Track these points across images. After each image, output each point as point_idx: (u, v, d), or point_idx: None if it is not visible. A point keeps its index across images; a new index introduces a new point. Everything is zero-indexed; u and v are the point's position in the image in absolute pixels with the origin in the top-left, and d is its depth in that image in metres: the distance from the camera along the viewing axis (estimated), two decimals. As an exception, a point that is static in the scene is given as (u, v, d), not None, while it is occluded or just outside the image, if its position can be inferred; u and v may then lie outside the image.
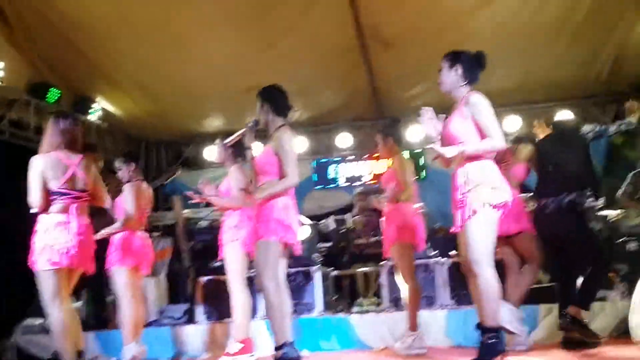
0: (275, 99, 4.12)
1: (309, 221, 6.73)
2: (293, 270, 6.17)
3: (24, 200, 4.22)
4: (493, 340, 3.45)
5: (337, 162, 9.92)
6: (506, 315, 4.25)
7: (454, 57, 3.76)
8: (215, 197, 5.17)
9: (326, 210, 9.01)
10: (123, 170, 5.35)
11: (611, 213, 6.41)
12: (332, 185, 9.90)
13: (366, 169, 9.81)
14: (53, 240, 4.05)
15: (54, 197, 4.12)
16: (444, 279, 5.97)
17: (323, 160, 9.98)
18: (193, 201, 5.13)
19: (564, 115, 9.03)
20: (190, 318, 6.36)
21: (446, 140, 3.68)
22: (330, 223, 7.52)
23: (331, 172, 9.93)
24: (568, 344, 4.48)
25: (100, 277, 6.08)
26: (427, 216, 7.25)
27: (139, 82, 8.04)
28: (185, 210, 7.60)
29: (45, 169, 4.11)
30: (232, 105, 8.20)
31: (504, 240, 4.61)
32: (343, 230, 7.41)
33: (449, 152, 3.55)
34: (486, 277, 3.48)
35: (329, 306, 6.40)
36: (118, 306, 5.20)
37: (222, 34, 7.01)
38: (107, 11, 6.46)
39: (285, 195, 3.95)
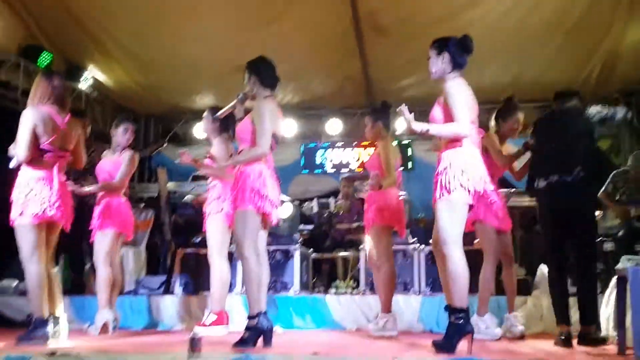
0: (262, 71, 4.13)
1: (288, 198, 6.74)
2: (273, 247, 6.20)
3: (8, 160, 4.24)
4: (461, 321, 3.49)
5: (325, 148, 9.96)
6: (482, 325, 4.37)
7: (441, 45, 3.79)
8: (204, 164, 5.16)
9: (312, 195, 9.06)
10: (127, 134, 5.31)
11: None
12: (319, 171, 9.95)
13: (354, 157, 9.85)
14: (34, 195, 4.07)
15: (40, 152, 4.13)
16: (421, 265, 6.03)
17: (311, 145, 10.02)
18: (182, 160, 5.09)
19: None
20: (167, 289, 6.37)
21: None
22: (313, 206, 7.54)
23: (319, 157, 9.97)
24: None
25: (80, 243, 6.14)
26: (410, 206, 7.35)
27: (132, 54, 8.02)
28: (170, 183, 7.60)
29: (38, 123, 4.12)
30: (223, 83, 8.18)
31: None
32: (326, 214, 7.44)
33: (417, 125, 3.58)
34: (454, 258, 3.53)
35: (306, 286, 6.44)
36: (96, 271, 5.21)
37: (218, 10, 7.01)
38: (104, -22, 6.45)
39: (261, 164, 3.94)
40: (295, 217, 6.78)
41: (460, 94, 3.64)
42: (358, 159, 9.76)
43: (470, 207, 3.74)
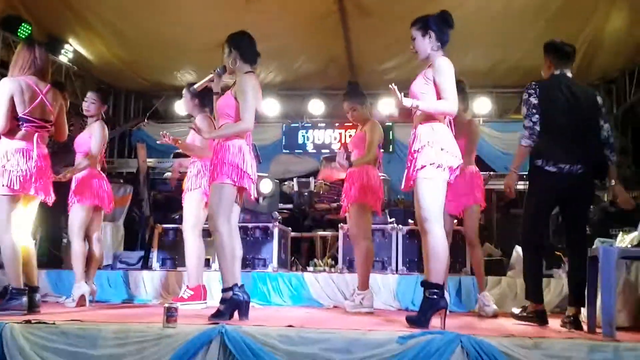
0: (243, 45, 4.09)
1: (266, 174, 6.75)
2: (252, 224, 6.22)
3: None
4: (435, 296, 3.54)
5: (307, 128, 9.96)
6: None
7: (425, 24, 3.79)
8: (183, 143, 5.14)
9: (292, 175, 9.06)
10: (96, 106, 5.26)
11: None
12: (300, 151, 9.97)
13: (335, 137, 9.88)
14: (12, 166, 4.02)
15: (18, 123, 4.08)
16: (399, 245, 6.09)
17: (293, 125, 10.02)
18: (162, 141, 5.08)
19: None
20: (145, 265, 6.37)
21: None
22: (293, 185, 7.56)
23: (300, 137, 9.97)
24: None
25: (58, 217, 6.11)
26: (389, 188, 7.39)
27: (113, 29, 7.95)
28: (150, 159, 7.57)
29: (15, 92, 4.06)
30: (204, 60, 8.09)
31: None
32: (306, 194, 7.46)
33: (407, 101, 3.61)
34: (434, 234, 3.57)
35: (284, 263, 6.47)
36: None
37: (201, -13, 6.96)
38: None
39: (241, 139, 3.95)
40: (275, 196, 6.78)
41: (450, 71, 3.67)
42: (339, 140, 9.79)
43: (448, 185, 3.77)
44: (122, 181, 7.51)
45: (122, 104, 10.24)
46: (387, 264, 6.06)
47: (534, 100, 3.98)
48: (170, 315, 3.26)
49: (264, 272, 5.98)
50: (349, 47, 8.42)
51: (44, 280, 5.94)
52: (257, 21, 7.09)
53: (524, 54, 7.98)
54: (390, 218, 6.46)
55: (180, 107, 9.56)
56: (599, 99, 4.16)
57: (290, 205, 7.63)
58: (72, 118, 6.35)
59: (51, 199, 4.31)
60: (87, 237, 5.21)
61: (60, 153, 6.03)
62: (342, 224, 6.34)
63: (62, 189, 5.13)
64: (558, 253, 5.82)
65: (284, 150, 9.98)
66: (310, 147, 9.95)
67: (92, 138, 5.15)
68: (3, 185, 4.01)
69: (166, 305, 3.31)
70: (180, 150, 7.78)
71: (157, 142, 5.31)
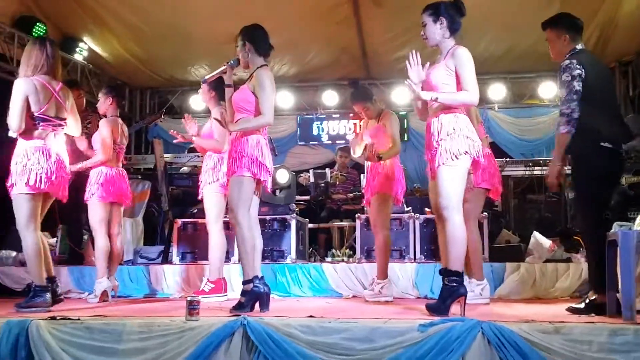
0: (257, 38, 4.11)
1: (287, 174, 6.78)
2: (270, 217, 6.25)
3: (4, 131, 4.25)
4: (454, 284, 3.56)
5: (322, 119, 9.98)
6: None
7: (436, 10, 3.78)
8: (197, 138, 5.19)
9: (308, 166, 9.09)
10: (100, 101, 5.33)
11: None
12: (315, 142, 9.99)
13: (350, 128, 9.89)
14: (32, 165, 4.09)
15: (34, 122, 4.14)
16: (416, 233, 6.09)
17: (307, 116, 10.03)
18: (176, 141, 5.14)
19: (548, 86, 9.15)
20: (165, 259, 6.44)
21: (426, 88, 3.74)
22: (310, 176, 7.58)
23: (315, 129, 9.99)
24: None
25: (78, 213, 6.18)
26: (405, 176, 7.38)
27: (126, 25, 7.99)
28: (167, 155, 7.63)
29: (30, 92, 4.11)
30: (218, 54, 8.12)
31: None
32: (322, 185, 7.48)
33: (426, 95, 3.63)
34: (454, 222, 3.58)
35: (302, 255, 6.51)
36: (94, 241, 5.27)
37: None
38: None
39: (259, 134, 3.99)
40: (292, 187, 6.81)
41: (472, 63, 3.66)
42: (354, 130, 9.80)
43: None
44: (140, 177, 7.57)
45: (138, 101, 10.32)
46: (405, 253, 6.07)
47: (577, 86, 3.71)
48: (192, 308, 3.31)
49: (282, 264, 6.02)
50: (361, 37, 8.40)
51: (66, 277, 6.04)
52: (269, 13, 7.12)
53: (538, 37, 7.83)
54: (407, 207, 6.47)
55: (196, 101, 9.65)
56: None
57: (307, 197, 7.66)
58: (89, 116, 6.41)
59: (65, 194, 4.37)
60: (107, 233, 5.28)
61: (78, 150, 6.09)
62: (359, 214, 6.37)
63: (83, 186, 5.22)
64: (576, 237, 5.80)
65: (299, 142, 10.01)
66: (325, 138, 9.96)
67: (97, 136, 5.22)
68: (23, 185, 4.08)
69: (188, 298, 3.36)
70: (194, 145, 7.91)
71: (174, 141, 5.37)
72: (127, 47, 8.52)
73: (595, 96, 3.77)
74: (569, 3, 7.17)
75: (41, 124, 4.17)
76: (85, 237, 6.60)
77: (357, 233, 6.32)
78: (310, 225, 7.07)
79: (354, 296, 5.54)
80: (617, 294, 3.54)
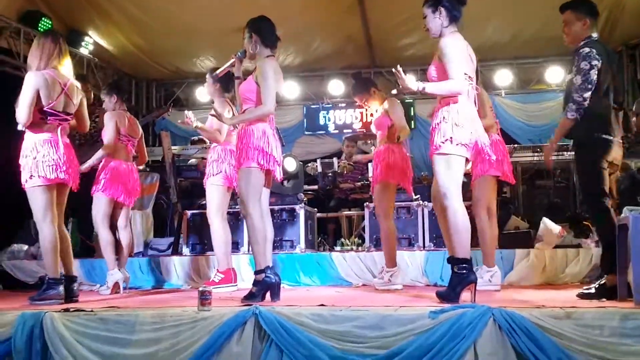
0: (263, 30, 4.12)
1: (294, 162, 6.79)
2: (278, 207, 6.27)
3: (12, 125, 4.27)
4: (464, 271, 3.56)
5: (328, 109, 9.96)
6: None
7: (435, 1, 3.77)
8: (200, 125, 5.20)
9: (315, 156, 9.07)
10: (106, 101, 5.38)
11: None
12: (321, 132, 9.99)
13: (356, 117, 9.88)
14: (42, 157, 4.11)
15: (42, 115, 4.16)
16: (425, 221, 6.10)
17: (314, 106, 10.02)
18: (183, 122, 5.13)
19: (555, 71, 9.10)
20: (175, 250, 6.47)
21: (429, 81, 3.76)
22: (317, 166, 7.59)
23: (321, 118, 9.98)
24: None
25: (89, 207, 6.21)
26: (413, 164, 7.38)
27: (131, 17, 7.98)
28: (174, 147, 7.65)
29: (41, 86, 4.12)
30: (223, 45, 8.14)
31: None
32: (330, 174, 7.49)
33: (413, 84, 3.64)
34: (454, 209, 3.58)
35: (311, 244, 6.53)
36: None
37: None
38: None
39: (265, 123, 3.98)
40: (300, 177, 6.83)
41: (455, 49, 3.64)
42: (361, 119, 9.79)
43: (467, 161, 3.76)
44: (148, 170, 7.59)
45: (144, 93, 10.33)
46: (414, 241, 6.09)
47: (593, 76, 3.74)
48: (204, 298, 3.34)
49: (292, 254, 6.05)
50: (366, 25, 8.36)
51: (77, 269, 6.03)
52: (274, 3, 7.08)
53: (544, 22, 7.84)
54: (415, 195, 6.47)
55: (202, 93, 9.66)
56: None
57: (314, 187, 7.67)
58: (97, 110, 6.44)
59: (75, 185, 4.40)
60: (113, 226, 5.32)
61: (86, 145, 6.13)
62: (367, 202, 6.38)
63: (92, 179, 5.25)
64: (585, 223, 5.79)
65: (305, 132, 10.00)
66: (331, 128, 9.96)
67: (103, 131, 5.25)
68: (36, 177, 4.11)
69: (200, 288, 3.38)
70: (197, 137, 7.92)
71: (178, 122, 5.38)
72: (132, 40, 8.52)
73: (602, 87, 3.80)
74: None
75: (49, 118, 4.19)
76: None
77: (366, 222, 6.33)
78: (319, 215, 7.09)
79: (363, 285, 5.56)
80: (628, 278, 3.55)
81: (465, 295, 3.55)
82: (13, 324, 3.34)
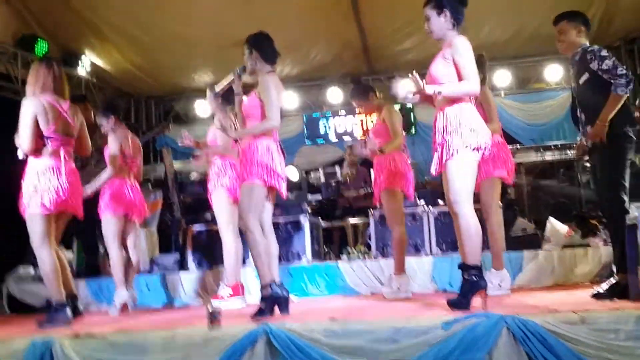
0: (263, 45, 4.11)
1: (297, 172, 6.78)
2: (283, 219, 6.25)
3: (13, 150, 4.26)
4: (474, 278, 3.53)
5: (328, 117, 9.95)
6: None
7: (439, 3, 3.74)
8: (202, 144, 5.20)
9: (317, 165, 9.08)
10: (104, 125, 5.37)
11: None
12: (322, 140, 9.97)
13: (356, 124, 9.86)
14: (44, 184, 4.10)
15: (44, 141, 4.15)
16: (430, 227, 6.08)
17: (314, 115, 10.01)
18: (184, 143, 5.15)
19: (554, 69, 9.09)
20: (181, 266, 6.45)
21: (428, 82, 3.72)
22: (320, 175, 7.57)
23: (321, 127, 9.97)
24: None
25: (93, 227, 6.20)
26: (416, 170, 7.37)
27: (127, 36, 7.98)
28: (176, 163, 7.65)
29: (38, 112, 4.13)
30: (220, 59, 8.15)
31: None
32: (333, 183, 7.47)
33: (429, 88, 3.60)
34: (466, 216, 3.55)
35: (318, 254, 6.51)
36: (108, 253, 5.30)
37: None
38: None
39: (269, 138, 3.97)
40: (303, 187, 6.81)
41: (469, 51, 3.62)
42: (361, 126, 9.77)
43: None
44: (151, 187, 7.59)
45: (143, 110, 10.32)
46: (420, 247, 6.06)
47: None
48: (214, 317, 3.31)
49: (298, 265, 6.02)
50: (362, 32, 8.36)
51: (84, 290, 6.08)
52: (268, 14, 7.10)
53: (542, 21, 7.81)
54: (420, 200, 6.45)
55: (201, 107, 9.66)
56: None
57: (318, 196, 7.65)
58: (97, 130, 6.42)
59: (81, 211, 4.38)
60: (122, 245, 5.30)
61: (89, 167, 6.12)
62: (371, 210, 6.35)
63: (96, 199, 5.23)
64: (592, 222, 5.76)
65: (306, 142, 9.99)
66: (332, 136, 9.94)
67: (106, 150, 5.24)
68: (36, 204, 4.09)
69: (209, 309, 3.35)
70: (199, 153, 7.91)
71: (179, 144, 5.38)
72: (129, 58, 8.52)
73: None
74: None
75: (50, 143, 4.18)
76: (101, 249, 6.63)
77: (372, 229, 6.31)
78: (324, 224, 7.07)
79: (371, 293, 5.53)
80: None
81: (476, 302, 3.53)
82: (23, 351, 3.31)
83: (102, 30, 7.81)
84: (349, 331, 3.04)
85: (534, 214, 7.06)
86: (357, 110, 9.67)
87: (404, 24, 7.88)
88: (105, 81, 8.99)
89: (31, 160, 4.18)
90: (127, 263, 5.30)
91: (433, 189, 6.93)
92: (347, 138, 9.65)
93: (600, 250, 5.30)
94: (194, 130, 8.95)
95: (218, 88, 4.47)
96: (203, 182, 7.13)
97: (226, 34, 7.31)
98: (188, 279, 6.06)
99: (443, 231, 6.01)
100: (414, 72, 3.60)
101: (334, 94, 9.71)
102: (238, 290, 5.05)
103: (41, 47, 7.27)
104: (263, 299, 3.86)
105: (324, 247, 7.03)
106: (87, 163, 6.26)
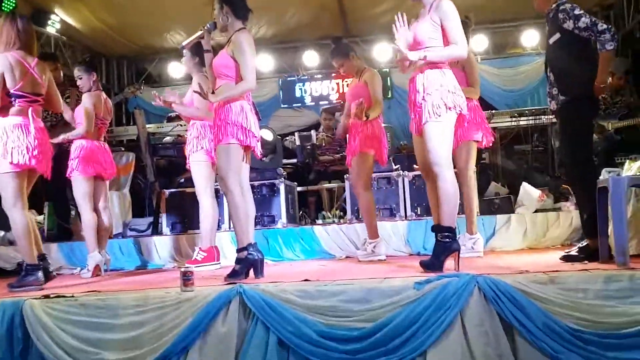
0: (234, 1, 4.01)
1: (271, 134, 6.71)
2: (258, 183, 6.21)
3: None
4: (448, 240, 3.56)
5: (304, 81, 9.85)
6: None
7: None
8: (179, 105, 5.11)
9: (293, 129, 9.02)
10: (84, 79, 5.21)
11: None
12: (298, 104, 9.88)
13: (333, 88, 9.78)
14: (12, 142, 4.00)
15: (11, 99, 4.04)
16: (405, 191, 6.09)
17: (289, 78, 9.90)
18: (155, 103, 5.06)
19: (531, 34, 9.08)
20: (155, 230, 6.40)
21: (411, 45, 3.67)
22: (295, 139, 7.51)
23: (297, 91, 9.87)
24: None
25: (64, 189, 6.11)
26: (391, 134, 7.36)
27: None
28: (149, 125, 7.52)
29: (4, 69, 4.01)
30: (193, 19, 7.91)
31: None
32: (308, 147, 7.42)
33: (413, 55, 3.56)
34: (445, 178, 3.56)
35: (293, 218, 6.50)
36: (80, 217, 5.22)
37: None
38: None
39: (243, 100, 3.91)
40: (278, 151, 6.75)
41: (457, 15, 3.60)
42: (337, 90, 9.69)
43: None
44: (123, 149, 7.47)
45: (115, 71, 10.12)
46: (395, 211, 6.08)
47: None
48: (186, 279, 3.29)
49: (274, 229, 6.01)
50: (339, -7, 8.24)
51: (56, 254, 6.01)
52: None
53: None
54: (395, 165, 6.46)
55: (174, 69, 9.50)
56: None
57: (293, 160, 7.60)
58: (67, 90, 6.27)
59: (49, 171, 4.30)
60: (94, 208, 5.23)
61: (59, 126, 5.98)
62: (347, 174, 6.34)
63: (66, 162, 5.14)
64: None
65: (282, 105, 9.89)
66: (308, 100, 9.85)
67: (79, 110, 5.12)
68: (6, 163, 4.00)
69: (182, 269, 3.34)
70: (174, 114, 7.79)
71: (153, 103, 5.28)
72: (99, 16, 8.30)
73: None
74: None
75: (17, 100, 4.07)
76: (73, 212, 6.54)
77: (347, 194, 6.30)
78: (299, 189, 7.05)
79: (347, 257, 5.55)
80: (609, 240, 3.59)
81: (449, 264, 3.56)
82: (-8, 313, 3.28)
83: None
84: (322, 292, 3.06)
85: (508, 178, 7.13)
86: (333, 75, 9.58)
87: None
88: (75, 40, 8.78)
89: (-2, 119, 4.07)
90: (99, 226, 5.22)
91: (409, 154, 6.92)
92: (323, 102, 9.57)
93: (572, 214, 5.37)
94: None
95: (185, 42, 4.34)
96: (176, 144, 7.06)
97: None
98: (162, 243, 6.02)
99: (418, 195, 6.03)
100: (395, 43, 3.57)
101: (311, 57, 9.60)
102: (213, 254, 5.03)
103: (9, 3, 7.02)
104: (239, 261, 3.85)
105: (299, 211, 7.03)
106: (56, 123, 6.13)
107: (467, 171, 4.71)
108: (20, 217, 4.06)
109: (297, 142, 7.44)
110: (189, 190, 6.02)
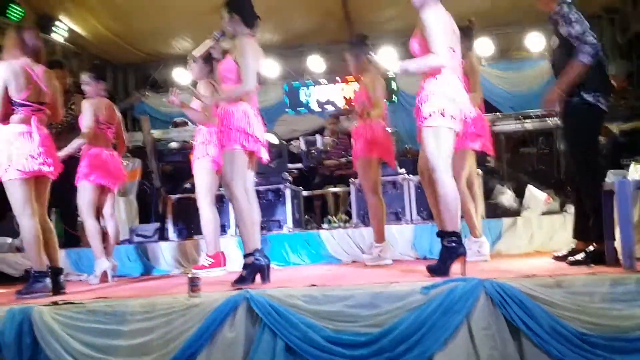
0: (243, 9, 4.04)
1: (276, 138, 6.74)
2: (263, 188, 6.23)
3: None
4: (453, 244, 3.57)
5: (309, 86, 9.87)
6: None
7: None
8: (188, 108, 5.12)
9: (298, 134, 9.04)
10: (91, 86, 5.24)
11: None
12: (303, 109, 9.90)
13: (338, 93, 9.79)
14: (17, 150, 4.02)
15: (15, 107, 4.07)
16: (411, 195, 6.10)
17: (294, 83, 9.93)
18: (171, 99, 4.99)
19: (535, 38, 9.08)
20: (161, 236, 6.42)
21: (413, 53, 3.71)
22: (300, 144, 7.53)
23: (303, 95, 9.89)
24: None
25: (70, 197, 6.12)
26: (397, 138, 7.38)
27: (103, 1, 7.80)
28: (154, 131, 7.55)
29: (9, 77, 4.04)
30: (199, 25, 7.98)
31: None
32: (313, 151, 7.44)
33: (395, 67, 3.62)
34: (445, 183, 3.57)
35: (299, 223, 6.51)
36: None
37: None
38: None
39: (245, 103, 3.92)
40: (283, 156, 6.77)
41: (437, 23, 3.59)
42: (342, 95, 9.71)
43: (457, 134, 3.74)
44: (129, 155, 7.50)
45: (120, 78, 10.16)
46: (401, 215, 6.10)
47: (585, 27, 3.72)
48: (194, 285, 3.30)
49: (280, 234, 6.02)
50: (345, -1, 8.26)
51: (64, 260, 6.00)
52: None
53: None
54: (401, 168, 6.47)
55: (179, 74, 9.52)
56: None
57: (299, 165, 7.63)
58: (73, 97, 6.31)
59: (55, 174, 4.31)
60: (99, 214, 5.25)
61: (65, 133, 6.01)
62: (352, 178, 6.35)
63: (73, 168, 5.16)
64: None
65: (287, 110, 9.92)
66: (313, 105, 9.88)
67: (83, 115, 5.15)
68: (12, 170, 4.03)
69: (189, 275, 3.35)
70: (179, 120, 7.83)
71: (164, 99, 5.27)
72: (105, 23, 8.35)
73: None
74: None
75: (21, 109, 4.10)
76: (80, 218, 6.56)
77: (352, 198, 6.32)
78: (305, 193, 7.06)
79: (353, 261, 5.56)
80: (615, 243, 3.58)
81: (456, 268, 3.56)
82: (1, 320, 3.29)
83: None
84: (329, 297, 3.06)
85: (514, 181, 7.11)
86: (338, 79, 9.61)
87: (386, -9, 7.79)
88: (82, 47, 8.83)
89: (1, 128, 4.08)
90: (105, 232, 5.25)
91: (414, 158, 6.93)
92: (328, 107, 9.59)
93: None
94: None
95: (197, 54, 4.39)
96: (182, 150, 7.09)
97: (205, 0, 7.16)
98: (168, 248, 6.04)
99: (424, 199, 5.98)
100: (371, 53, 3.63)
101: (316, 62, 9.62)
102: (219, 259, 5.04)
103: (15, 11, 7.07)
104: (245, 266, 3.86)
105: (305, 215, 7.04)
106: (61, 130, 6.16)
107: (461, 179, 4.65)
108: (30, 224, 4.08)
109: (303, 147, 7.46)
110: (194, 196, 6.03)
